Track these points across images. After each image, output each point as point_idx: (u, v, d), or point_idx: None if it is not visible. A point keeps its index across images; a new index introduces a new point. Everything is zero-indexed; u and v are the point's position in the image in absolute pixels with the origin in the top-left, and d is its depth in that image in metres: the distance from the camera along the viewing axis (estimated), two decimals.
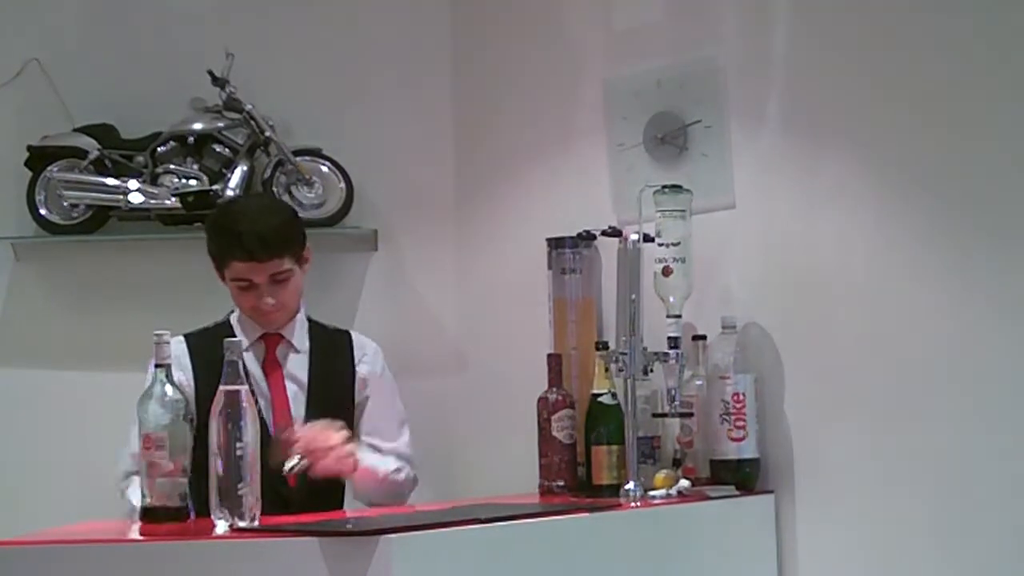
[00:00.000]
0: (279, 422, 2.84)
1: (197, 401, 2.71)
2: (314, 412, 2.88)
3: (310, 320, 3.01)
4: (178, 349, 2.82)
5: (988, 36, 2.78)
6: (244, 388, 2.26)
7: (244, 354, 2.84)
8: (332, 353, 3.00)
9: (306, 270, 2.96)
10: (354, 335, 3.06)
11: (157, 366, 2.30)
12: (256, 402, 2.73)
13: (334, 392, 2.92)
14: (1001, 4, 2.77)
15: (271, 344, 2.92)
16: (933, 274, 2.81)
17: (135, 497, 2.76)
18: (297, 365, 2.93)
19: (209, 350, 2.73)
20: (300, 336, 2.97)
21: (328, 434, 2.71)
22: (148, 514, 2.26)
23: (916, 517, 2.79)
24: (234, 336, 2.83)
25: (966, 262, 2.77)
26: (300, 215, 3.58)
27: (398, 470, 2.94)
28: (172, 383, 2.28)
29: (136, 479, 2.77)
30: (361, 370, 3.03)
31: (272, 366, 2.88)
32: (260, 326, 2.92)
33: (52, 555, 2.21)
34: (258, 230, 2.81)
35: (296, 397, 2.91)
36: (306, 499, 2.78)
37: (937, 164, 2.82)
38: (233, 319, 2.94)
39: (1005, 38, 2.76)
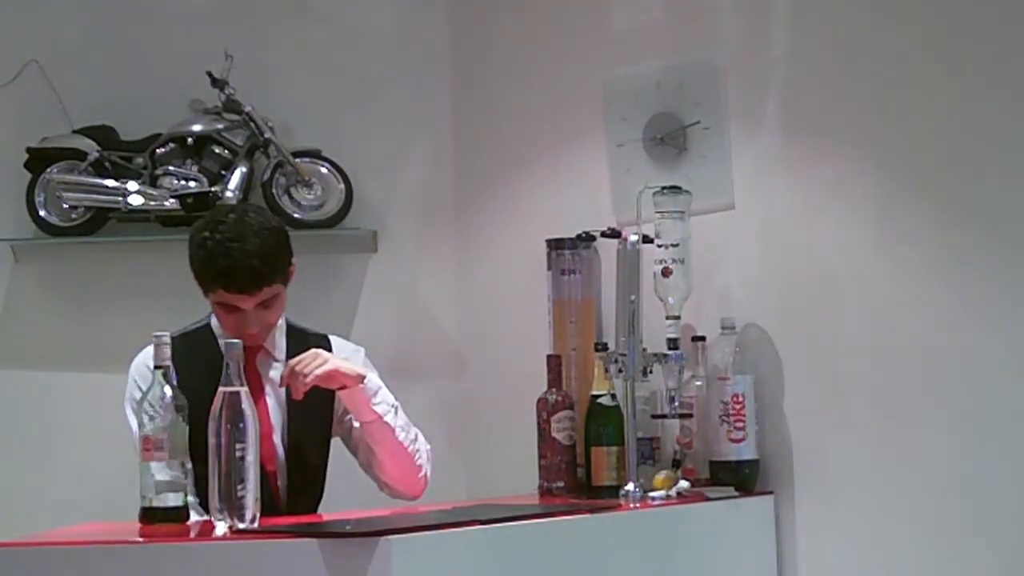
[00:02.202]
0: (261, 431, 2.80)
1: None
2: (293, 420, 2.85)
3: (289, 325, 2.95)
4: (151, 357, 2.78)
5: (987, 36, 2.78)
6: (244, 390, 2.25)
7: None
8: None
9: (291, 282, 2.87)
10: (333, 340, 2.94)
11: (156, 367, 2.29)
12: None
13: (313, 400, 2.87)
14: (1000, 4, 2.77)
15: (251, 354, 2.86)
16: (932, 274, 2.81)
17: None
18: (276, 373, 2.88)
19: (189, 352, 2.69)
20: (279, 344, 2.91)
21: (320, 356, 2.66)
22: (147, 515, 2.26)
23: (916, 517, 2.79)
24: (214, 338, 2.79)
25: (965, 262, 2.77)
26: (299, 216, 3.56)
27: (416, 439, 2.85)
28: (171, 384, 2.28)
29: None
30: None
31: (252, 375, 2.83)
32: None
33: (52, 556, 2.20)
34: (250, 263, 2.65)
35: (275, 406, 2.87)
36: (285, 499, 2.77)
37: (936, 165, 2.82)
38: (214, 321, 2.88)
39: (1004, 38, 2.76)
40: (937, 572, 2.77)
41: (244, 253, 2.65)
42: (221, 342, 2.56)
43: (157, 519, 2.25)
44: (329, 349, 2.86)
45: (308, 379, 2.63)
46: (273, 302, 2.74)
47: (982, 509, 2.72)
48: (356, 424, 2.82)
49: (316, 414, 2.85)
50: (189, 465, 2.31)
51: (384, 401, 2.77)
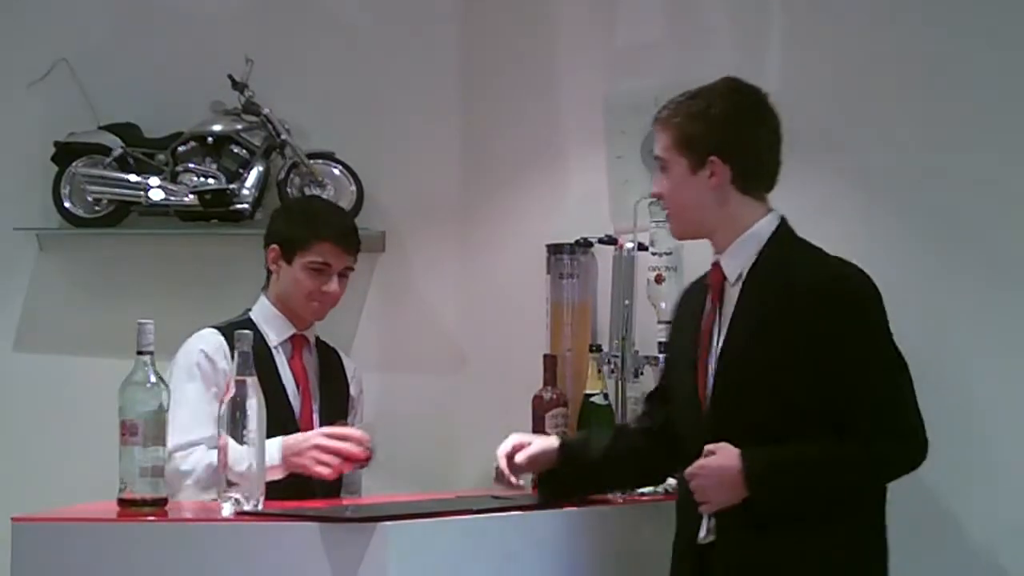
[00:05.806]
0: (305, 417, 2.96)
1: None
2: (324, 411, 3.01)
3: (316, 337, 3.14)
4: (218, 341, 2.91)
5: (979, 54, 2.85)
6: (252, 378, 2.34)
7: (274, 351, 2.95)
8: (330, 365, 3.11)
9: None
10: (340, 354, 3.17)
11: (139, 353, 2.33)
12: (285, 394, 2.88)
13: (337, 399, 3.06)
14: (993, 20, 2.84)
15: (297, 344, 3.03)
16: (925, 283, 2.87)
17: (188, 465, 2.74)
18: (312, 368, 3.06)
19: (229, 344, 2.83)
20: (313, 344, 3.11)
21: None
22: (126, 507, 2.30)
23: (916, 517, 2.78)
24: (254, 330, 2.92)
25: (955, 278, 2.85)
26: None
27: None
28: (156, 371, 2.33)
29: (196, 451, 2.75)
30: (352, 390, 3.13)
31: (298, 364, 3.00)
32: (303, 315, 3.00)
33: (66, 532, 2.28)
34: (350, 224, 3.07)
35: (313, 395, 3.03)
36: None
37: (927, 177, 2.89)
38: (255, 316, 3.01)
39: (996, 56, 2.82)
40: (937, 571, 2.80)
41: (346, 216, 3.16)
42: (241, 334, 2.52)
43: (136, 507, 2.29)
44: (341, 363, 3.05)
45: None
46: (348, 277, 3.00)
47: (982, 507, 2.78)
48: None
49: (338, 411, 3.02)
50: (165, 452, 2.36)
51: None
